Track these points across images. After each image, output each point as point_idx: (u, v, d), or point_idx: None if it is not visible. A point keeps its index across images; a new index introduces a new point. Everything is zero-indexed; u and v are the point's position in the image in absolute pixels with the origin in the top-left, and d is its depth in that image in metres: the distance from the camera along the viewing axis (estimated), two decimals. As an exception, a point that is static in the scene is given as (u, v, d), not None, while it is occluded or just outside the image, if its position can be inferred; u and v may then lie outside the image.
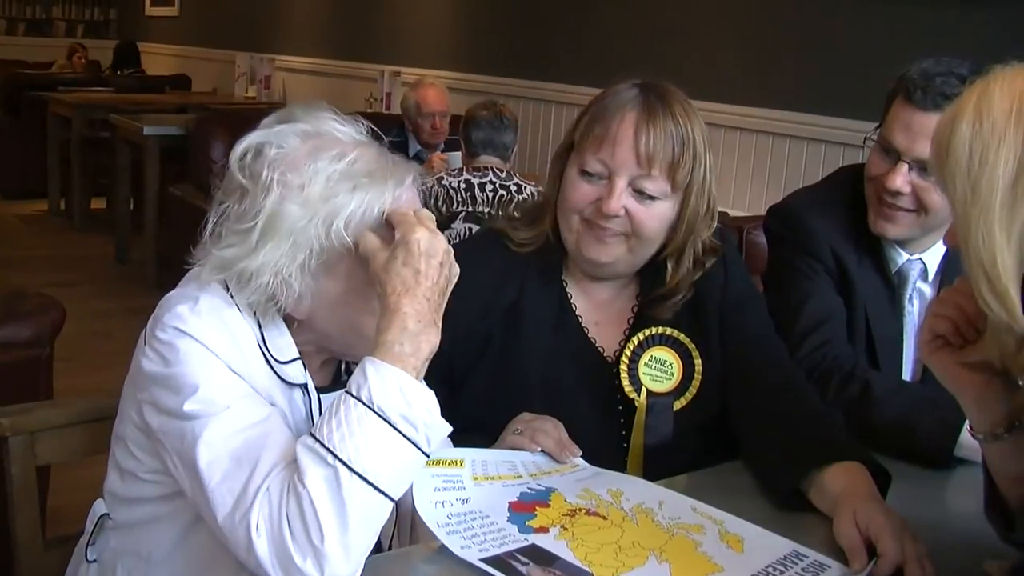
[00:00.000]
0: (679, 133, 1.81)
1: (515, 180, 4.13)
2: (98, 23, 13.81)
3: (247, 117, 7.10)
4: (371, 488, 1.27)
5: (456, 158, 4.79)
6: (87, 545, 1.61)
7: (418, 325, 1.36)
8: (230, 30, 10.47)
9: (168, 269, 6.30)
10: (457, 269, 1.44)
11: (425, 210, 1.46)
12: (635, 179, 1.81)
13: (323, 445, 1.28)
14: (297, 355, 1.50)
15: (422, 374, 1.37)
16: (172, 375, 1.39)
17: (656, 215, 1.84)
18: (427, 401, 1.34)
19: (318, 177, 1.43)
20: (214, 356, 1.40)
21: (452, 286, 1.43)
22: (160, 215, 6.74)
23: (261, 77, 9.19)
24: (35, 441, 1.73)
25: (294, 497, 1.27)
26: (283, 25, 9.59)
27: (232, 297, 1.46)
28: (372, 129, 1.57)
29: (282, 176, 1.43)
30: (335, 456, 1.27)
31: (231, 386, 1.39)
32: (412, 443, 1.31)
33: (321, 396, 1.54)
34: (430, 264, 1.38)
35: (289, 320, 1.49)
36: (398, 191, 1.47)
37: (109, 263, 7.42)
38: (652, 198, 1.82)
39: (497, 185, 4.08)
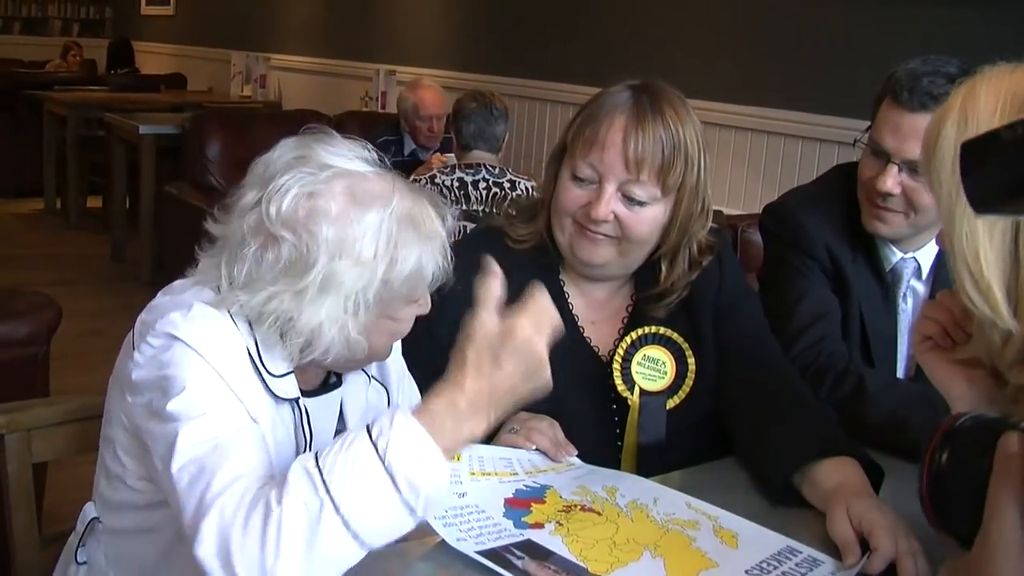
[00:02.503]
0: (669, 137, 1.80)
1: (508, 176, 4.09)
2: (94, 22, 13.79)
3: (243, 116, 7.16)
4: (349, 534, 1.21)
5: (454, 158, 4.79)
6: (77, 546, 1.60)
7: (469, 409, 1.29)
8: (226, 29, 10.46)
9: (164, 268, 6.30)
10: (545, 382, 1.35)
11: (558, 318, 1.37)
12: (624, 184, 1.81)
13: (320, 475, 1.22)
14: (290, 370, 1.49)
15: (452, 454, 1.29)
16: (163, 377, 1.39)
17: (646, 220, 1.84)
18: (439, 476, 1.25)
19: (368, 235, 1.41)
20: (204, 362, 1.38)
21: (528, 395, 1.35)
22: (156, 214, 6.74)
23: (257, 76, 9.19)
24: (31, 439, 1.73)
25: (262, 512, 1.21)
26: (279, 24, 9.58)
27: (223, 307, 1.44)
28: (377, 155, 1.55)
29: (329, 235, 1.40)
30: (327, 490, 1.21)
31: (214, 393, 1.37)
32: (408, 507, 1.23)
33: (308, 400, 1.54)
34: (517, 363, 1.31)
35: (283, 335, 1.46)
36: (439, 236, 1.48)
37: (105, 262, 7.42)
38: (641, 203, 1.82)
39: (490, 182, 4.05)
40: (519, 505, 1.53)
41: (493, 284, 1.34)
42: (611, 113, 1.82)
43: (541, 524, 1.48)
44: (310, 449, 1.50)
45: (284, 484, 1.23)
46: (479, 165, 4.12)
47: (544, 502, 1.55)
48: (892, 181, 2.05)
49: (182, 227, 5.83)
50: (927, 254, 2.20)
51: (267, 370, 1.45)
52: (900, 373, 2.22)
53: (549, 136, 6.11)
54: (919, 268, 2.21)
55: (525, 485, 1.61)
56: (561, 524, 1.49)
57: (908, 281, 2.22)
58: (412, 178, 4.14)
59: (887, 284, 2.21)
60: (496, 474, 1.63)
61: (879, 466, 1.69)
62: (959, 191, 1.24)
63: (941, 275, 2.17)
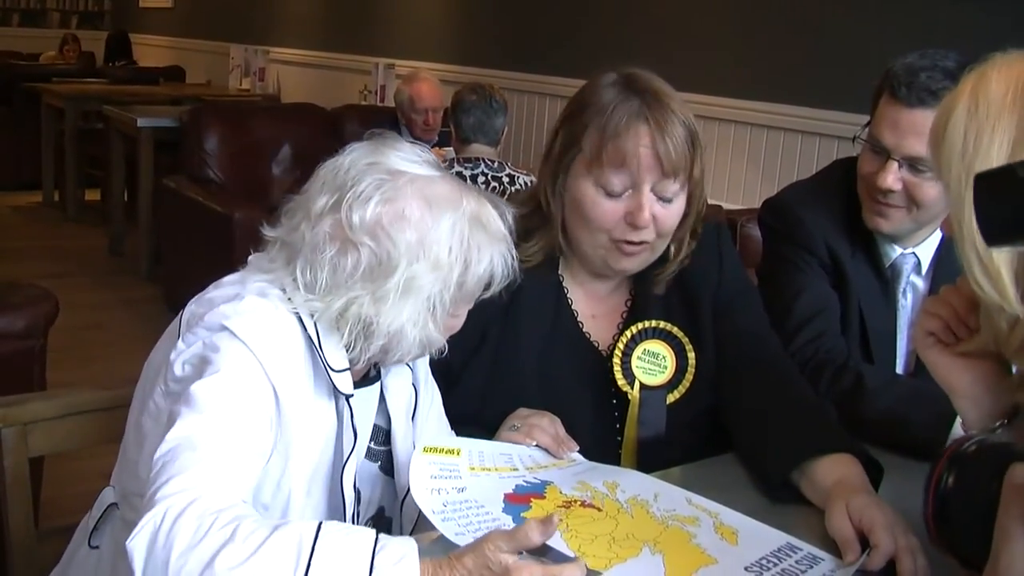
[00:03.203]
0: (685, 131, 1.80)
1: (507, 171, 4.05)
2: (92, 14, 13.77)
3: (241, 109, 7.15)
4: None
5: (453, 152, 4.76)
6: (92, 530, 1.60)
7: None
8: (224, 22, 10.45)
9: (162, 261, 6.29)
10: None
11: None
12: (658, 185, 1.80)
13: (313, 544, 1.18)
14: (348, 365, 1.50)
15: None
16: (203, 360, 1.40)
17: (675, 212, 1.85)
18: None
19: (442, 240, 1.46)
20: (249, 353, 1.39)
21: None
22: (154, 207, 6.72)
23: (255, 69, 9.18)
24: (28, 432, 1.73)
25: (226, 526, 1.18)
26: (278, 17, 9.57)
27: (288, 303, 1.46)
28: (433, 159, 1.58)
29: (408, 241, 1.44)
30: (309, 559, 1.16)
31: (243, 391, 1.37)
32: None
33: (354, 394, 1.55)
34: None
35: (364, 336, 1.48)
36: (501, 231, 1.53)
37: (103, 255, 7.40)
38: (672, 200, 1.83)
39: (489, 177, 4.00)
40: (519, 500, 1.53)
41: (535, 536, 1.26)
42: (631, 124, 1.78)
43: (540, 519, 1.48)
44: (355, 446, 1.52)
45: (276, 524, 1.20)
46: (478, 159, 4.07)
47: (544, 497, 1.55)
48: (892, 177, 2.05)
49: (180, 220, 5.82)
50: (927, 249, 2.20)
51: (327, 363, 1.47)
52: (899, 369, 2.21)
53: (548, 130, 6.09)
54: (919, 264, 2.20)
55: (525, 481, 1.61)
56: (561, 519, 1.48)
57: (908, 277, 2.21)
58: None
59: (886, 280, 2.20)
60: (496, 469, 1.62)
61: (878, 463, 1.69)
62: (968, 175, 1.23)
63: (941, 271, 2.17)
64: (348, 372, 1.50)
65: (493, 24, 6.81)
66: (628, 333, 1.90)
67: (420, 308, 1.46)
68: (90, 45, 11.99)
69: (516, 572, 1.20)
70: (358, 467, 1.59)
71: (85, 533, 1.62)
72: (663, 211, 1.82)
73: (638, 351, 1.89)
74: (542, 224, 1.90)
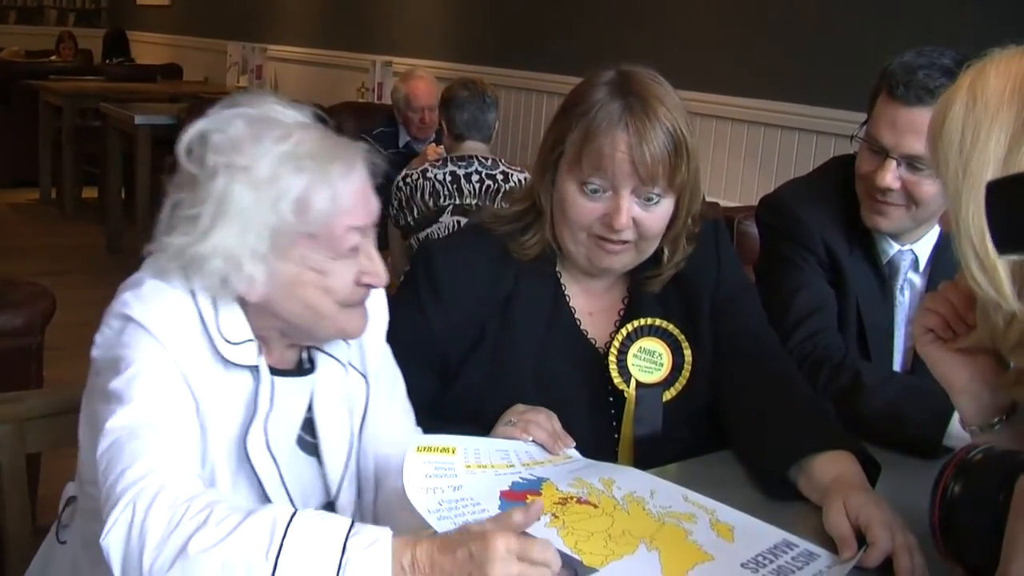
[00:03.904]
0: (669, 138, 1.77)
1: (501, 168, 4.00)
2: (90, 11, 13.75)
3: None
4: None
5: (450, 149, 4.74)
6: (58, 527, 1.62)
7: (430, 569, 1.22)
8: (222, 19, 10.44)
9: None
10: None
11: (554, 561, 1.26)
12: (639, 188, 1.79)
13: (287, 527, 1.20)
14: (250, 337, 1.50)
15: None
16: (115, 358, 1.42)
17: (659, 216, 1.83)
18: None
19: (263, 159, 1.43)
20: (154, 340, 1.41)
21: None
22: (151, 204, 6.71)
23: (253, 67, 9.16)
24: (25, 429, 1.73)
25: (199, 512, 1.21)
26: (275, 15, 9.56)
27: (185, 281, 1.47)
28: (318, 113, 1.57)
29: (228, 160, 1.43)
30: (282, 540, 1.19)
31: (158, 377, 1.39)
32: None
33: (279, 379, 1.54)
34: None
35: (244, 303, 1.49)
36: (348, 175, 1.47)
37: (100, 252, 7.40)
38: (657, 200, 1.81)
39: (483, 175, 3.96)
40: (515, 498, 1.53)
41: (518, 518, 1.27)
42: (610, 128, 1.77)
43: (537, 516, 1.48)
44: (268, 422, 1.50)
45: (248, 511, 1.22)
46: (471, 157, 4.02)
47: (540, 494, 1.54)
48: (891, 176, 2.05)
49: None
50: (924, 246, 2.20)
51: (222, 335, 1.47)
52: (897, 366, 2.21)
53: (545, 128, 6.08)
54: (916, 260, 2.21)
55: (521, 477, 1.60)
56: (557, 516, 1.48)
57: (905, 273, 2.21)
58: (405, 171, 4.10)
59: (884, 277, 2.20)
60: (492, 466, 1.62)
61: (876, 460, 1.69)
62: (966, 170, 1.23)
63: (938, 267, 2.17)
64: (252, 344, 1.50)
65: (490, 21, 6.81)
66: (624, 331, 1.90)
67: (242, 233, 1.42)
68: (87, 43, 11.97)
69: (492, 536, 1.21)
70: (292, 457, 1.58)
71: (54, 531, 1.64)
72: (645, 214, 1.81)
73: (634, 349, 1.89)
74: (537, 219, 1.91)
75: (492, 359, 1.87)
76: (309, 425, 1.61)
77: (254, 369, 1.51)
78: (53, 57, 11.32)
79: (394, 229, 4.14)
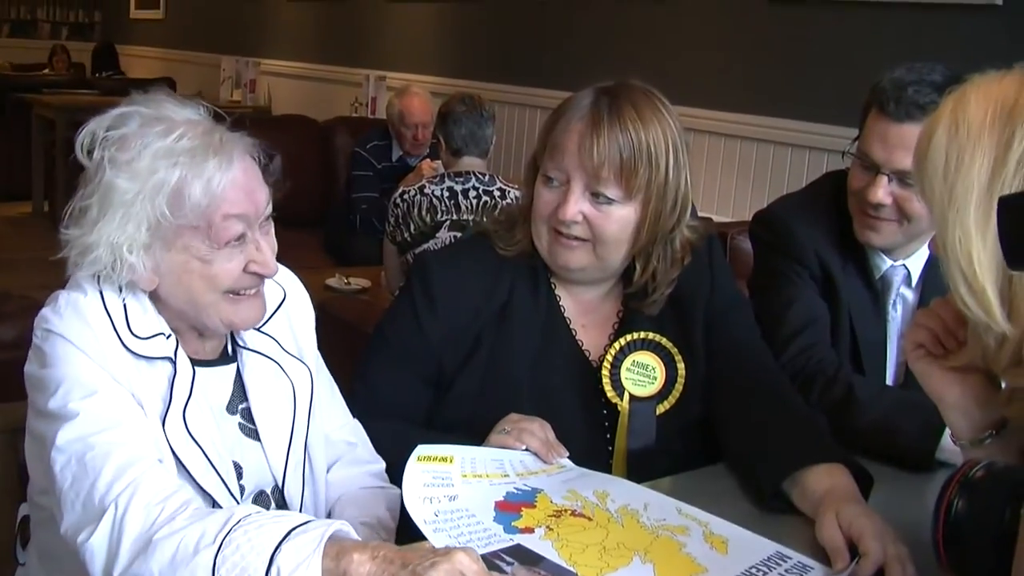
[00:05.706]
0: (627, 141, 1.78)
1: (498, 184, 3.99)
2: (83, 25, 13.75)
3: (231, 120, 7.13)
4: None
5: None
6: (15, 546, 1.66)
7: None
8: (215, 33, 10.44)
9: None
10: None
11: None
12: (590, 184, 1.81)
13: (236, 524, 1.26)
14: (160, 331, 1.54)
15: None
16: (43, 376, 1.46)
17: (615, 219, 1.82)
18: None
19: (144, 152, 1.47)
20: (76, 349, 1.45)
21: None
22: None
23: (246, 81, 9.17)
24: (16, 440, 1.73)
25: (175, 511, 1.30)
26: (269, 29, 9.57)
27: (93, 284, 1.52)
28: (214, 111, 1.60)
29: (112, 154, 1.47)
30: (231, 529, 1.25)
31: (91, 385, 1.43)
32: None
33: (199, 369, 1.58)
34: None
35: (154, 297, 1.54)
36: (226, 167, 1.51)
37: (92, 266, 7.37)
38: (610, 201, 1.81)
39: (480, 191, 3.95)
40: (509, 509, 1.53)
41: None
42: (571, 119, 1.82)
43: (531, 528, 1.48)
44: (187, 410, 1.54)
45: (205, 515, 1.29)
46: (468, 173, 4.01)
47: (534, 507, 1.54)
48: (883, 192, 2.06)
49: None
50: (917, 261, 2.21)
51: (131, 331, 1.50)
52: (889, 380, 2.22)
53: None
54: (909, 275, 2.21)
55: (516, 488, 1.60)
56: (552, 529, 1.48)
57: (898, 288, 2.22)
58: (401, 188, 4.10)
59: (877, 291, 2.21)
60: (487, 476, 1.62)
61: (869, 473, 1.70)
62: (951, 196, 1.25)
63: (931, 282, 2.18)
64: (161, 337, 1.53)
65: (484, 37, 6.82)
66: (617, 344, 1.90)
67: (129, 224, 1.47)
68: (80, 56, 11.97)
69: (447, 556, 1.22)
70: (235, 443, 1.62)
71: (12, 554, 1.68)
72: (596, 212, 1.81)
73: (627, 363, 1.90)
74: (522, 217, 1.93)
75: (487, 369, 1.87)
76: (250, 413, 1.66)
77: (170, 361, 1.54)
78: (46, 70, 11.33)
79: (389, 245, 4.14)
